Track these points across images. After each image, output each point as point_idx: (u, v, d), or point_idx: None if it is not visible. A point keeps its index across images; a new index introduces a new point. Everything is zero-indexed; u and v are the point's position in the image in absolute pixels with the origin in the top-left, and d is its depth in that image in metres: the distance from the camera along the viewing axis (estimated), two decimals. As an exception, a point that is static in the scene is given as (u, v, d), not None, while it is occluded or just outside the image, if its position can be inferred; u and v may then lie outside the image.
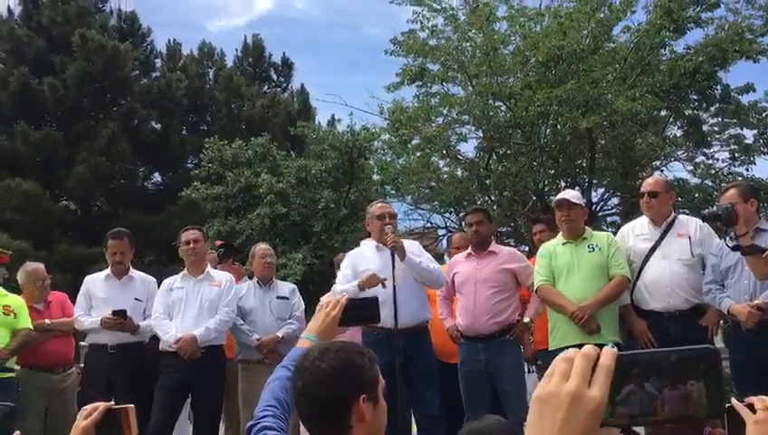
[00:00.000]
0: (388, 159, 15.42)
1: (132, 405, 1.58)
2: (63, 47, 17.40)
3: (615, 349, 0.84)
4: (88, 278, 5.54)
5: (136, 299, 5.32)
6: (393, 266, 4.61)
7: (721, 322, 4.68)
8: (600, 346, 0.86)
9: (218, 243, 6.60)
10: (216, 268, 5.71)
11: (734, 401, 1.55)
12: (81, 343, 5.83)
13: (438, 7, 14.09)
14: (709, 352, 0.83)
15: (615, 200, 15.60)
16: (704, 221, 4.30)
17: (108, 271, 5.46)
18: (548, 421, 0.81)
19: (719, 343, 5.35)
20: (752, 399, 1.54)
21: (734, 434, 1.53)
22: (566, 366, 0.83)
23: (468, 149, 15.30)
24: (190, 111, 20.30)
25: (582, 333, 4.37)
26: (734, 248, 4.00)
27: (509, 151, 14.36)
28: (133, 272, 5.51)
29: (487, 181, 14.23)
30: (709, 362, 0.82)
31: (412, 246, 4.94)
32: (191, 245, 5.26)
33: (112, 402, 1.59)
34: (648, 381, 0.82)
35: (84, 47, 16.82)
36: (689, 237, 4.52)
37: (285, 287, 5.87)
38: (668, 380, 0.82)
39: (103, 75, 17.07)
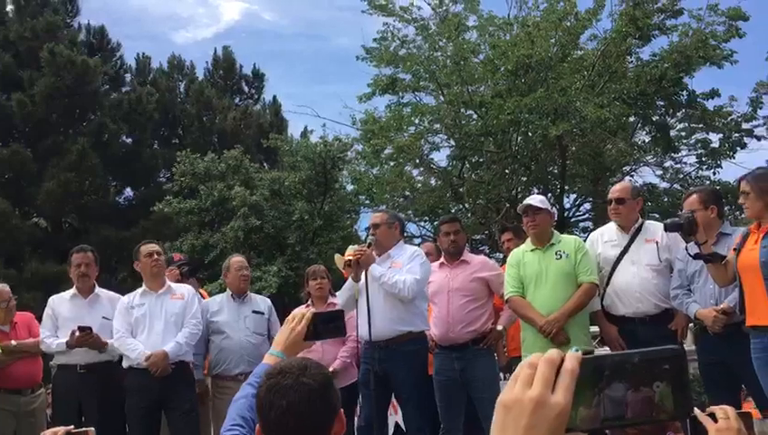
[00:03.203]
0: (362, 169, 15.45)
1: (93, 429, 1.56)
2: (32, 62, 17.20)
3: (579, 353, 0.82)
4: (53, 298, 5.39)
5: (104, 318, 5.19)
6: (366, 279, 4.64)
7: (690, 324, 4.74)
8: None
9: (176, 257, 6.42)
10: None
11: (696, 410, 1.57)
12: (51, 363, 5.71)
13: (409, 18, 14.20)
14: (674, 353, 0.82)
15: (587, 206, 15.80)
16: (665, 231, 4.35)
17: (73, 290, 5.33)
18: (511, 428, 0.80)
19: (690, 345, 5.42)
20: (713, 408, 1.57)
21: None
22: (530, 371, 0.82)
23: (441, 157, 15.43)
24: (161, 125, 20.16)
25: (552, 345, 4.39)
26: (696, 257, 4.06)
27: (481, 160, 14.49)
28: (99, 290, 5.38)
29: (461, 190, 14.33)
30: (674, 363, 0.81)
31: (403, 255, 4.85)
32: (155, 257, 5.15)
33: (72, 427, 1.57)
34: (613, 384, 0.81)
35: (53, 62, 16.64)
36: (657, 243, 4.58)
37: (261, 302, 5.74)
38: (631, 382, 0.80)
39: (72, 90, 16.89)
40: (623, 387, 0.81)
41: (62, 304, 5.30)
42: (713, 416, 1.55)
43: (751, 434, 1.57)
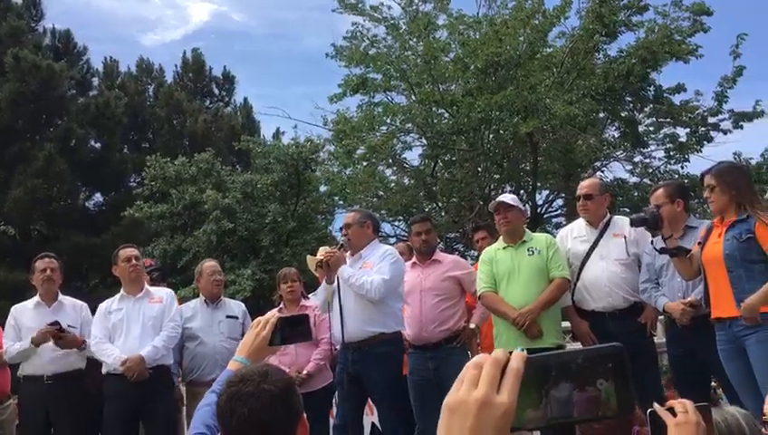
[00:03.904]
0: (335, 170, 15.42)
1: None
2: (-5, 68, 16.89)
3: (525, 352, 0.83)
4: (15, 308, 5.26)
5: (69, 326, 5.10)
6: (338, 281, 4.64)
7: (660, 317, 4.80)
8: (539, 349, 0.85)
9: (147, 262, 6.37)
10: None
11: (655, 405, 1.59)
12: (18, 374, 5.59)
13: (380, 17, 14.20)
14: (616, 350, 0.83)
15: (559, 202, 15.93)
16: (631, 226, 4.41)
17: (36, 299, 5.22)
18: (456, 430, 0.80)
19: (661, 337, 5.48)
20: (673, 402, 1.59)
21: None
22: (475, 372, 0.82)
23: (413, 157, 15.43)
24: (131, 129, 19.90)
25: (525, 339, 4.44)
26: (661, 251, 4.12)
27: (454, 158, 14.54)
28: (63, 298, 5.28)
29: (434, 188, 14.36)
30: (617, 360, 0.82)
31: (374, 255, 4.82)
32: (133, 262, 5.11)
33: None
34: (559, 384, 0.81)
35: (18, 67, 16.34)
36: (625, 237, 4.63)
37: (235, 307, 5.72)
38: (576, 382, 0.81)
39: (38, 96, 16.60)
40: (569, 387, 0.81)
41: (24, 312, 5.19)
42: (672, 410, 1.57)
43: (709, 427, 1.60)
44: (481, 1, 14.35)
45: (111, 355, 4.88)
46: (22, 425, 5.08)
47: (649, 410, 1.59)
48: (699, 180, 4.16)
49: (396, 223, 15.87)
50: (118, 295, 5.14)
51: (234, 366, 2.02)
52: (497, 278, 4.70)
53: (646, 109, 14.17)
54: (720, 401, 4.89)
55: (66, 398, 4.95)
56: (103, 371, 4.98)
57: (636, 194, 13.96)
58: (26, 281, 5.25)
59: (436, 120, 13.87)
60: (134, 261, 5.11)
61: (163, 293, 5.25)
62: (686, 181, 11.22)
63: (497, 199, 4.91)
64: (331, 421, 5.33)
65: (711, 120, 13.68)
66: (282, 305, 5.51)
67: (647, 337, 4.60)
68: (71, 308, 5.27)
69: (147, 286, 5.22)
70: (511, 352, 0.84)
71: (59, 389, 4.97)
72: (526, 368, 0.81)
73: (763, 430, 1.98)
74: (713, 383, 4.81)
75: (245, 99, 21.89)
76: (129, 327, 4.98)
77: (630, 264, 4.60)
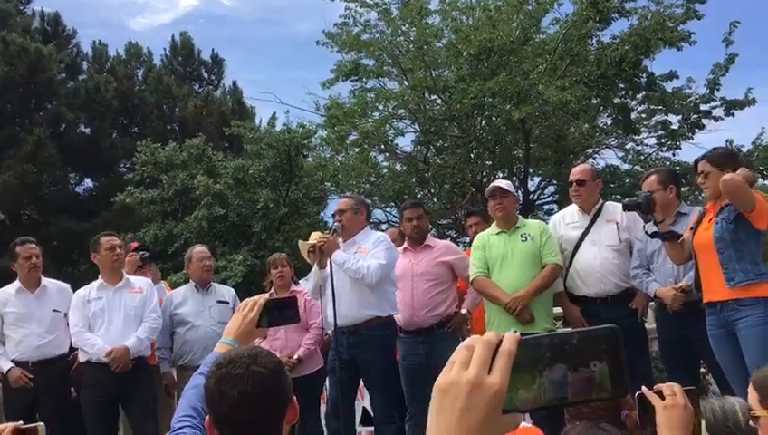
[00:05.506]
0: (327, 156, 15.36)
1: (42, 424, 1.53)
2: (-17, 52, 16.71)
3: (518, 334, 0.82)
4: None
5: (54, 311, 5.05)
6: (331, 266, 4.62)
7: (651, 303, 4.82)
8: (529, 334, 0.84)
9: (133, 245, 6.33)
10: (134, 273, 5.49)
11: (644, 388, 1.60)
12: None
13: (371, 2, 14.10)
14: (611, 332, 0.82)
15: (551, 188, 15.94)
16: (624, 210, 4.41)
17: (18, 284, 5.11)
18: (447, 411, 0.79)
19: (651, 323, 5.50)
20: (660, 386, 1.59)
21: (645, 420, 1.58)
22: (467, 353, 0.81)
23: (406, 143, 15.38)
24: (120, 114, 19.75)
25: (517, 323, 4.44)
26: (653, 235, 4.13)
27: (446, 144, 14.52)
28: (46, 281, 5.19)
29: (426, 175, 14.35)
30: (611, 342, 0.81)
31: (368, 241, 4.80)
32: (117, 251, 5.06)
33: (20, 422, 1.53)
34: (553, 365, 0.80)
35: (6, 51, 16.20)
36: (617, 223, 4.64)
37: (225, 292, 5.71)
38: (570, 363, 0.80)
39: (27, 79, 16.47)
40: (563, 368, 0.80)
41: (7, 299, 5.09)
42: (660, 393, 1.57)
43: (697, 410, 1.60)
44: (474, -14, 14.27)
45: (95, 345, 4.86)
46: (6, 410, 5.04)
47: (638, 394, 1.59)
48: (693, 167, 4.15)
49: (388, 209, 15.85)
50: (96, 283, 5.08)
51: (221, 348, 2.00)
52: (490, 263, 4.70)
53: (638, 96, 14.16)
54: (709, 387, 4.92)
55: (51, 382, 4.93)
56: (81, 358, 4.96)
57: (628, 181, 13.98)
58: (13, 267, 5.18)
59: (428, 107, 13.84)
60: (117, 250, 5.07)
61: (143, 283, 5.20)
62: (677, 168, 11.23)
63: (494, 184, 4.91)
64: (323, 407, 5.33)
65: (703, 107, 13.68)
66: (272, 291, 5.49)
67: (638, 323, 4.61)
68: (55, 291, 5.19)
69: (126, 276, 5.17)
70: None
71: (44, 374, 4.93)
72: (519, 349, 0.80)
73: (751, 423, 1.98)
74: (702, 369, 4.83)
75: (234, 83, 21.74)
76: (110, 318, 4.94)
77: (622, 250, 4.60)
